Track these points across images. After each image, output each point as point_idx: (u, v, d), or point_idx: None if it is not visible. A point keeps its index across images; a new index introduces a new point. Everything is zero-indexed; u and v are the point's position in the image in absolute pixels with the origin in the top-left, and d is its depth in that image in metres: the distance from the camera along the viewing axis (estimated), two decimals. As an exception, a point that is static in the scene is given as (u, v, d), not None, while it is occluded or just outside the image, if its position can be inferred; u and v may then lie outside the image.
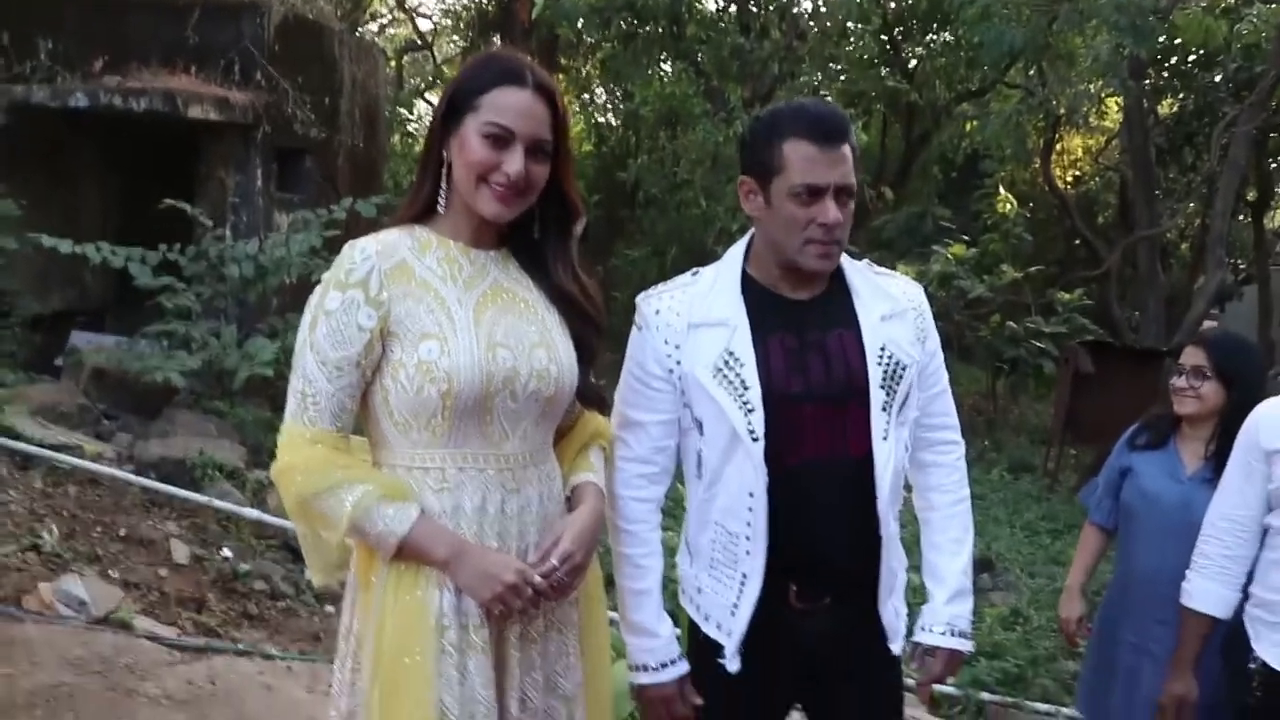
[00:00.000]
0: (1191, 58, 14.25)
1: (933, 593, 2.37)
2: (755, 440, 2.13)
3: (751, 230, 2.29)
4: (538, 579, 1.96)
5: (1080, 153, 21.18)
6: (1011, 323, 13.46)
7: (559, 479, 2.14)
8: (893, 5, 15.17)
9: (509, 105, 1.97)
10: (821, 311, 2.23)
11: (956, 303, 13.43)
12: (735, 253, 2.28)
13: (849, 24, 13.82)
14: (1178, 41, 12.62)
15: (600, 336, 2.19)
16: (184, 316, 7.35)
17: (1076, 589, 3.52)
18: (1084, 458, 11.10)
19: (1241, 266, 18.29)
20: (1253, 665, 2.59)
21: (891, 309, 2.25)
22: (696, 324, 2.19)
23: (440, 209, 2.04)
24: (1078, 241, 18.34)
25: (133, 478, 5.79)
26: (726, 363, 2.16)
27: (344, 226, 7.32)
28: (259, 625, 4.89)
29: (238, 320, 7.89)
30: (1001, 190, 14.66)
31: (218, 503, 5.69)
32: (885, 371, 2.19)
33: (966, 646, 2.36)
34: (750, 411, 2.13)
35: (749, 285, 2.24)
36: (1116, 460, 3.42)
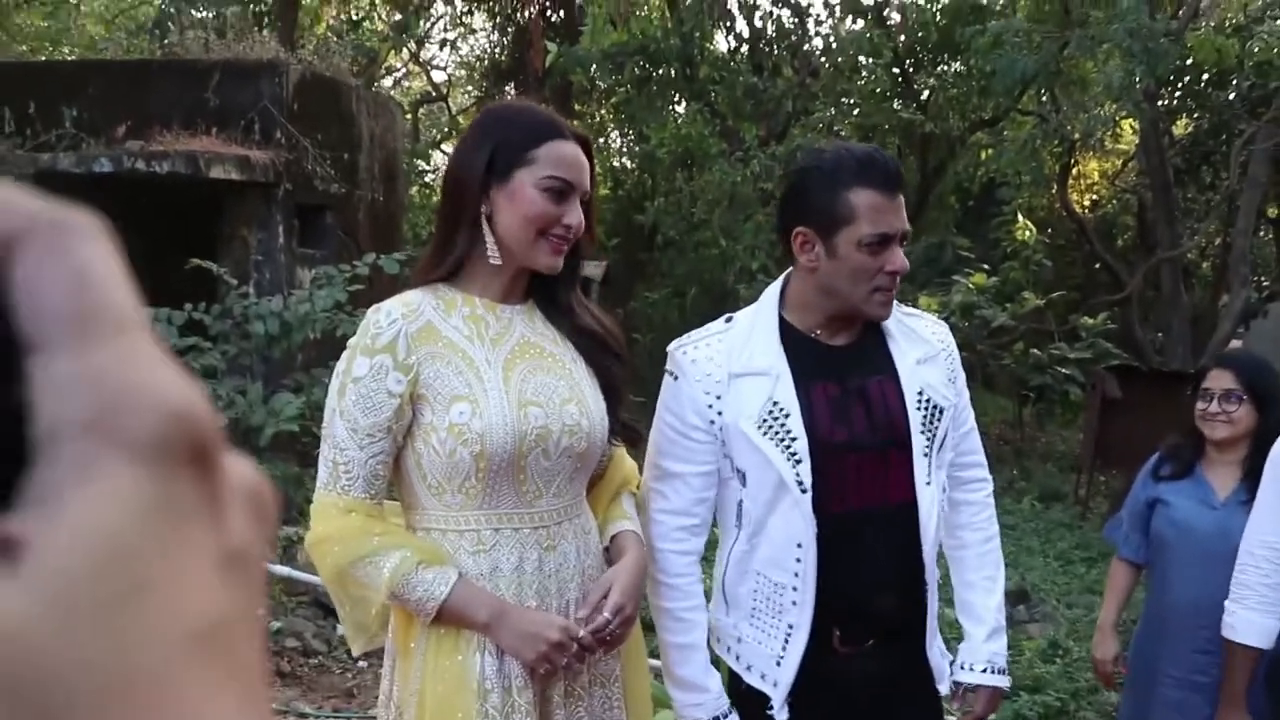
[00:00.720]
0: (1205, 77, 14.23)
1: (971, 631, 2.41)
2: (804, 491, 2.13)
3: (785, 274, 2.29)
4: (583, 634, 1.96)
5: (1097, 176, 21.16)
6: (1036, 350, 13.39)
7: (595, 531, 2.15)
8: (903, 38, 15.24)
9: (566, 158, 1.99)
10: (860, 358, 2.25)
11: (979, 332, 13.37)
12: (770, 299, 2.28)
13: (861, 58, 13.88)
14: (1190, 61, 12.60)
15: (626, 369, 2.19)
16: (210, 375, 7.39)
17: (1110, 627, 3.47)
18: (1114, 483, 11.00)
19: (1265, 284, 18.19)
20: None
21: (925, 352, 2.28)
22: (738, 374, 2.18)
23: (495, 260, 2.02)
24: (1098, 265, 18.26)
25: (164, 539, 5.79)
26: (771, 413, 2.16)
27: (367, 281, 7.37)
28: (291, 683, 4.88)
29: (263, 377, 7.94)
30: (1020, 217, 14.62)
31: (249, 561, 5.69)
32: (924, 416, 2.22)
33: (1006, 683, 2.41)
34: (798, 462, 2.14)
35: (787, 332, 2.24)
36: (1142, 493, 3.37)
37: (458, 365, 1.97)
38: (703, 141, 13.35)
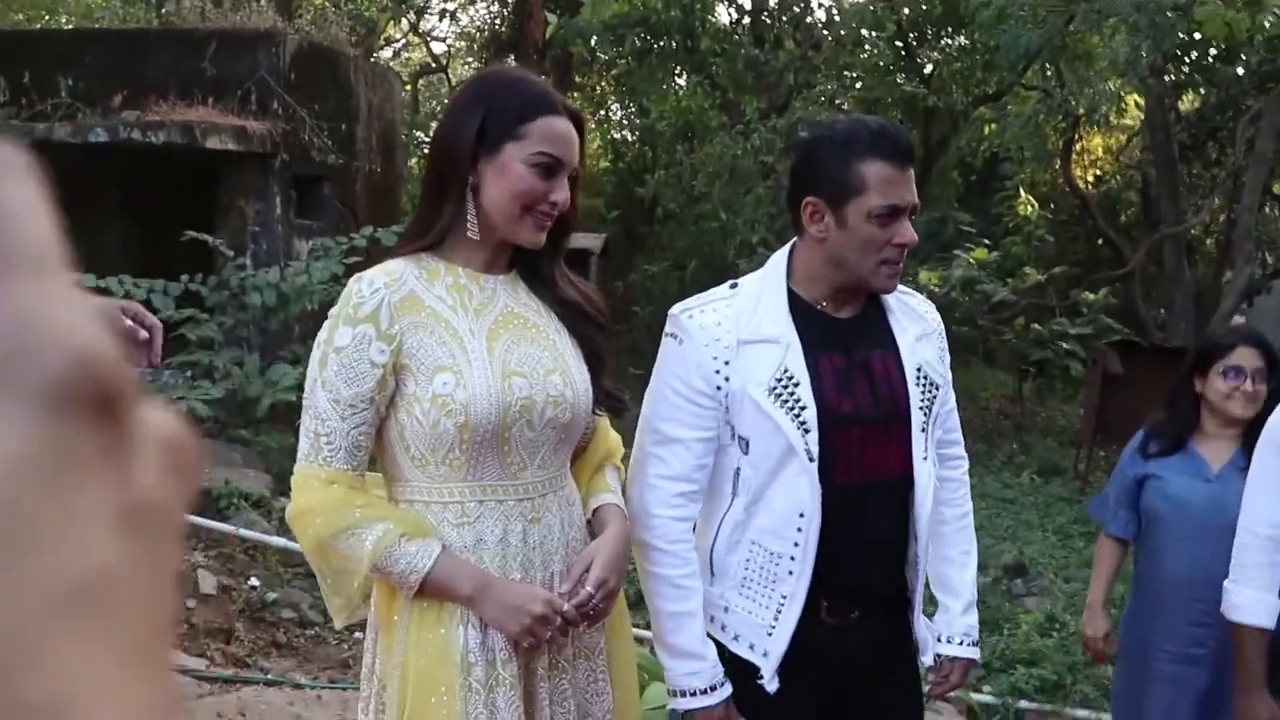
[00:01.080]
0: (1213, 52, 14.13)
1: (947, 604, 2.44)
2: (812, 460, 2.13)
3: (790, 245, 2.28)
4: (567, 608, 1.93)
5: (1101, 152, 21.05)
6: (1037, 325, 13.35)
7: (579, 503, 2.12)
8: (907, 11, 15.12)
9: (557, 134, 1.95)
10: (864, 331, 2.26)
11: (980, 307, 13.34)
12: (777, 267, 2.26)
13: (863, 31, 13.77)
14: (1198, 36, 12.51)
15: (609, 338, 2.16)
16: (207, 346, 7.38)
17: (1099, 605, 3.44)
18: (1114, 459, 10.96)
19: (1270, 260, 18.13)
20: None
21: (923, 330, 2.31)
22: (747, 340, 2.17)
23: (473, 235, 1.99)
24: (1101, 241, 18.21)
25: (159, 510, 5.79)
26: (781, 381, 2.15)
27: (365, 253, 7.34)
28: (288, 654, 4.89)
29: (260, 348, 7.92)
30: (1022, 192, 14.55)
31: (244, 532, 5.69)
32: (923, 392, 2.24)
33: (977, 654, 2.47)
34: (806, 432, 2.13)
35: (794, 302, 2.23)
36: (1130, 469, 3.32)
37: (441, 335, 1.93)
38: (703, 114, 13.28)
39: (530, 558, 1.99)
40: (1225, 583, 2.68)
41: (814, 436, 2.13)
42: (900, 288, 2.33)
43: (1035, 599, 7.02)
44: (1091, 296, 13.76)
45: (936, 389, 2.26)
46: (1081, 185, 18.20)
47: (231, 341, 7.70)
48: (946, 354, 2.38)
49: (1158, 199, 14.69)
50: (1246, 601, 2.61)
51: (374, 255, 6.73)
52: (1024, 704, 5.15)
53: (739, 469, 2.20)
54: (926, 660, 2.37)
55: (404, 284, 1.95)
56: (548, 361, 2.01)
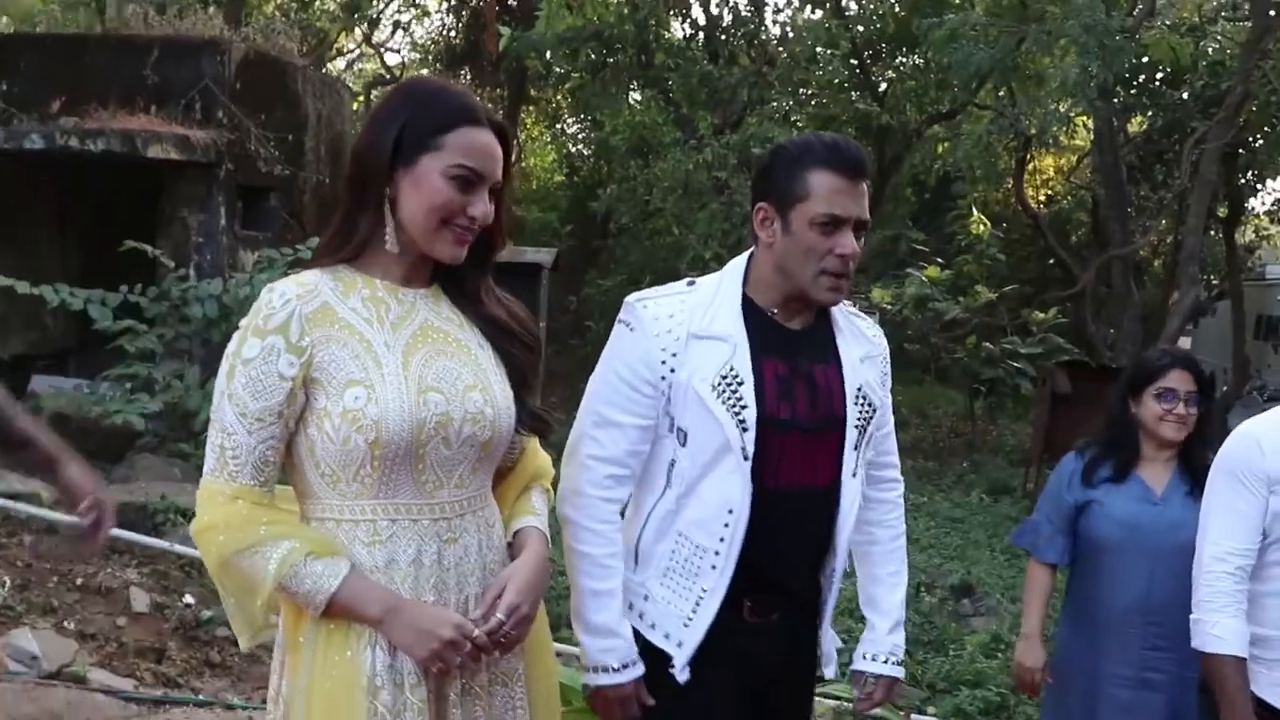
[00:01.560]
0: (1159, 76, 14.32)
1: (875, 623, 2.47)
2: (747, 459, 2.17)
3: (750, 252, 2.31)
4: (478, 634, 1.86)
5: (1052, 172, 21.30)
6: (988, 344, 13.45)
7: (499, 525, 2.04)
8: (861, 29, 15.22)
9: (476, 147, 1.88)
10: (810, 343, 2.29)
11: (932, 325, 13.42)
12: (736, 270, 2.31)
13: (817, 49, 13.83)
14: (1145, 60, 12.67)
15: (537, 358, 2.10)
16: (146, 359, 7.25)
17: (1037, 635, 3.35)
18: (1063, 478, 11.05)
19: (1214, 282, 18.37)
20: None
21: (868, 351, 2.34)
22: (698, 335, 2.20)
23: (391, 248, 1.91)
24: (1052, 261, 18.39)
25: (91, 526, 5.65)
26: (726, 379, 2.18)
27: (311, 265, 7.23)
28: (221, 674, 4.77)
29: (202, 361, 7.78)
30: (975, 211, 14.68)
31: (179, 548, 5.57)
32: (860, 411, 2.28)
33: (902, 673, 2.50)
34: (745, 431, 2.17)
35: (747, 306, 2.26)
36: (1069, 497, 3.25)
37: (354, 349, 1.86)
38: (657, 129, 13.28)
39: (445, 579, 1.92)
40: (1196, 615, 2.57)
41: (751, 436, 2.17)
42: (851, 310, 2.40)
43: (982, 619, 7.03)
44: (1041, 316, 13.87)
45: (874, 410, 2.30)
46: (1033, 205, 18.38)
47: (172, 354, 7.56)
48: (889, 379, 2.41)
49: (1106, 220, 14.85)
50: (1228, 633, 2.50)
51: (317, 267, 6.64)
52: (967, 725, 5.12)
53: (674, 460, 2.23)
54: (829, 673, 2.42)
55: (317, 295, 1.88)
56: (467, 377, 1.94)
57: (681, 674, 2.23)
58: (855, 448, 2.26)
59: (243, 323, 1.89)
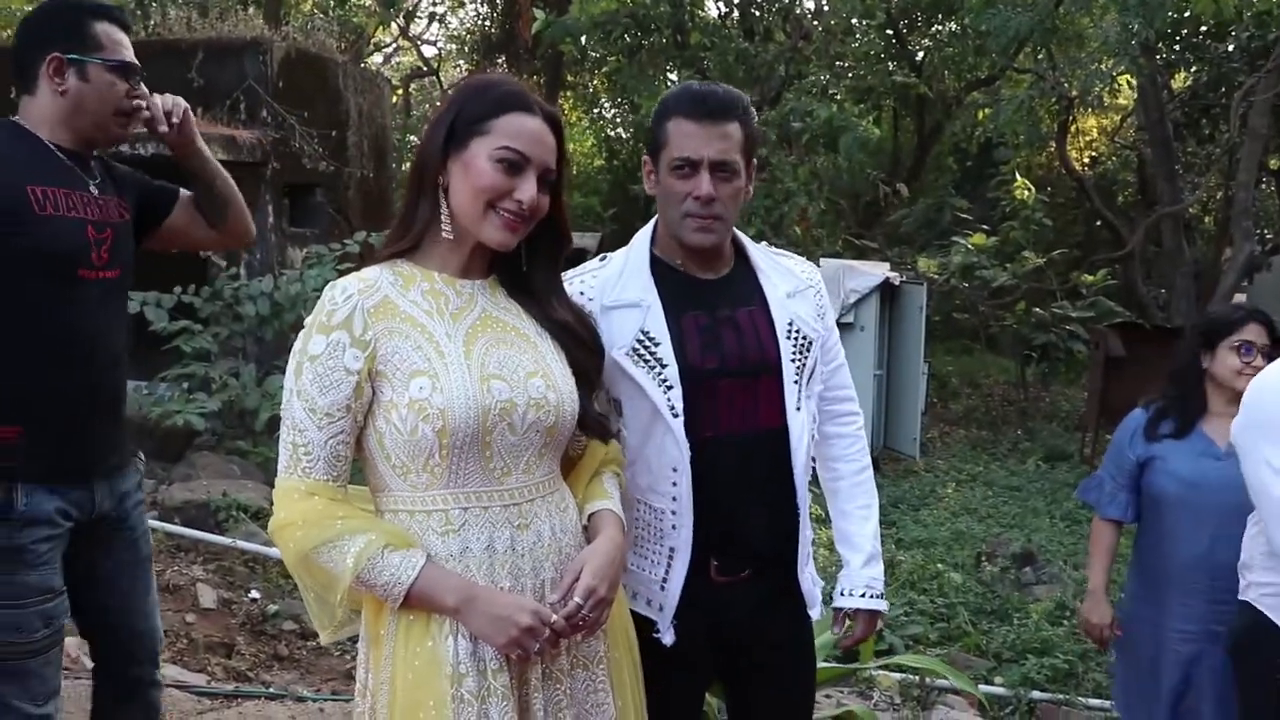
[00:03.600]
0: (1203, 29, 14.07)
1: (848, 558, 2.51)
2: (676, 416, 2.20)
3: (656, 214, 2.36)
4: (555, 619, 1.88)
5: (1096, 133, 21.00)
6: (1038, 309, 13.30)
7: (573, 509, 2.06)
8: (896, -1, 15.07)
9: (523, 130, 1.92)
10: (730, 289, 2.32)
11: (980, 293, 13.30)
12: (643, 236, 2.35)
13: (853, 20, 13.71)
14: (1188, 14, 12.45)
15: (599, 360, 2.12)
16: (202, 358, 7.34)
17: (1102, 591, 3.40)
18: (1120, 442, 10.91)
19: (1269, 237, 18.07)
20: None
21: (795, 286, 2.36)
22: (610, 306, 2.24)
23: (448, 234, 1.95)
24: (1099, 223, 18.16)
25: (157, 524, 5.75)
26: (641, 342, 2.22)
27: (358, 259, 7.30)
28: (290, 666, 4.83)
29: (256, 359, 7.87)
30: (1018, 177, 14.50)
31: (243, 544, 5.65)
32: (794, 345, 2.30)
33: (883, 606, 2.51)
34: (669, 389, 2.20)
35: (658, 266, 2.31)
36: (1131, 452, 3.27)
37: (416, 340, 1.89)
38: (695, 109, 13.19)
39: (519, 565, 1.93)
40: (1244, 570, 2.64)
41: (677, 393, 2.20)
42: (778, 250, 2.47)
43: (1045, 587, 6.97)
44: (1090, 279, 13.70)
45: (810, 343, 2.32)
46: (1077, 167, 18.15)
47: (227, 352, 7.65)
48: (829, 312, 2.43)
49: (1154, 179, 14.63)
50: None
51: (368, 260, 6.69)
52: (1036, 694, 5.09)
53: (619, 431, 2.26)
54: (815, 614, 2.42)
55: (378, 290, 1.91)
56: (528, 364, 1.96)
57: (666, 636, 2.26)
58: (795, 382, 2.28)
59: (307, 320, 1.93)
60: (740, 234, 2.39)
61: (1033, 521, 8.71)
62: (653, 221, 2.37)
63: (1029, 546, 7.72)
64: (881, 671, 4.63)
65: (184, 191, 2.83)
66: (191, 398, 6.99)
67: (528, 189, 1.91)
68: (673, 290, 2.28)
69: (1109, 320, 12.53)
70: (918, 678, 4.72)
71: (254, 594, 5.32)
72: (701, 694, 2.46)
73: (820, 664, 3.13)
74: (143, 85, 2.59)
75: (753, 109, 2.32)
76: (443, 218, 1.95)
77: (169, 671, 4.36)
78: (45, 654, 2.51)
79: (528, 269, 2.05)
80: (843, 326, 10.38)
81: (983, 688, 5.06)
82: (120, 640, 2.78)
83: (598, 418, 2.11)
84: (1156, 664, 3.21)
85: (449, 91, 2.24)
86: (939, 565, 6.98)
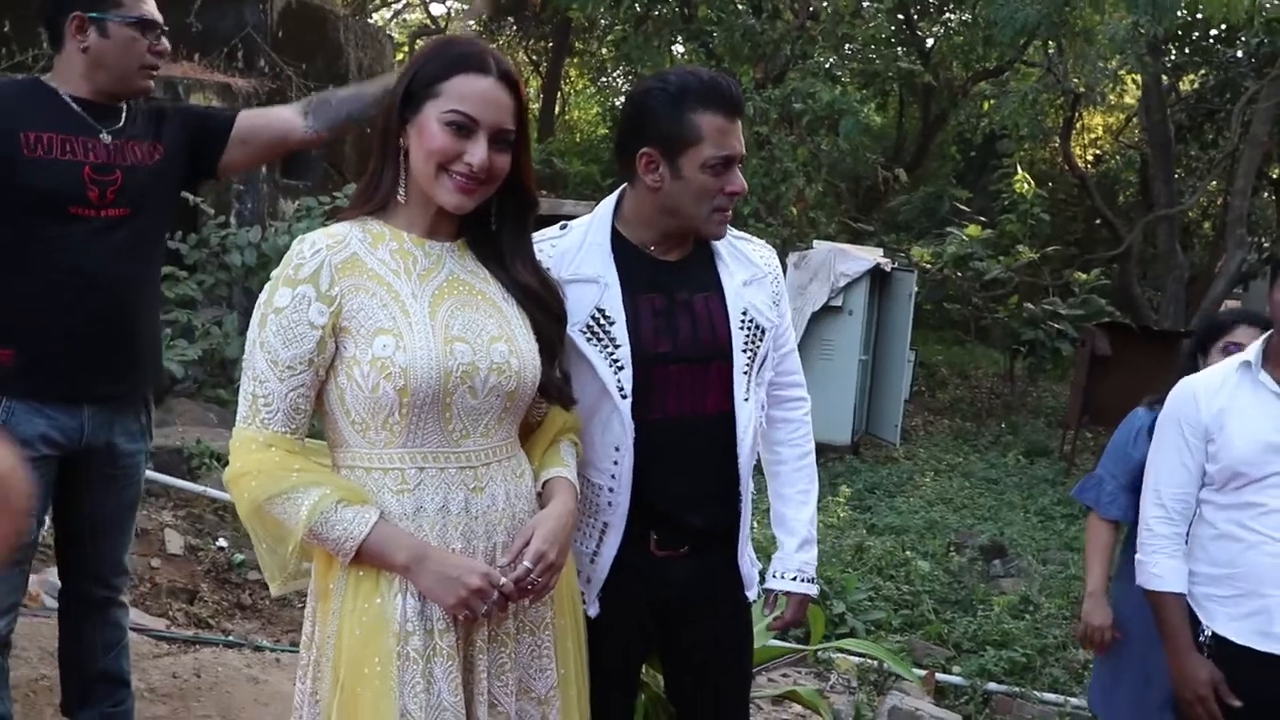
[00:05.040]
0: (1213, 33, 14.04)
1: (783, 541, 2.52)
2: (625, 397, 2.20)
3: (622, 188, 2.32)
4: (504, 581, 1.88)
5: (1101, 131, 20.96)
6: (1029, 304, 13.32)
7: (529, 475, 2.06)
8: (907, -17, 15.00)
9: (472, 92, 1.90)
10: (689, 274, 2.31)
11: (973, 284, 13.30)
12: (605, 210, 2.32)
13: (863, 3, 13.65)
14: (1199, 16, 12.41)
15: (562, 328, 2.12)
16: (186, 305, 7.30)
17: (1101, 593, 3.32)
18: (1102, 441, 10.95)
19: (1266, 245, 18.08)
20: (1202, 639, 2.65)
21: (752, 274, 2.36)
22: (567, 280, 2.21)
23: (401, 199, 1.96)
24: (1098, 221, 18.15)
25: (130, 468, 5.74)
26: (596, 319, 2.22)
27: (348, 213, 7.26)
28: (252, 616, 4.84)
29: (241, 309, 7.84)
30: (1019, 170, 14.48)
31: (213, 492, 5.64)
32: (747, 335, 2.30)
33: (814, 590, 2.53)
34: (620, 369, 2.21)
35: (619, 244, 2.29)
36: (1135, 453, 3.20)
37: (383, 298, 1.88)
38: (699, 83, 13.14)
39: (472, 527, 1.94)
40: (1138, 555, 2.77)
41: (627, 374, 2.20)
42: (737, 233, 2.41)
43: (1011, 580, 7.01)
44: (1084, 277, 13.71)
45: (763, 332, 2.32)
46: (1081, 164, 18.11)
47: (211, 301, 7.62)
48: (784, 298, 2.43)
49: (1154, 180, 14.60)
50: (1168, 571, 2.70)
51: (355, 216, 6.66)
52: (992, 686, 5.12)
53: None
54: (751, 595, 2.43)
55: (347, 246, 1.91)
56: (492, 329, 1.96)
57: (592, 608, 2.27)
58: (745, 372, 2.28)
59: (274, 273, 1.92)
60: None
61: (1007, 515, 8.76)
62: (617, 193, 2.34)
63: (1000, 539, 7.76)
64: (839, 655, 4.66)
65: (245, 111, 2.98)
66: (172, 344, 6.96)
67: (477, 152, 1.89)
68: (632, 269, 2.26)
69: (1099, 319, 12.55)
70: (876, 662, 4.75)
71: (221, 542, 5.32)
72: (638, 665, 2.48)
73: (769, 644, 3.13)
74: (164, 40, 2.74)
75: None
76: (400, 181, 1.95)
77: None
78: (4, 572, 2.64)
79: (496, 230, 2.04)
80: (831, 310, 10.40)
81: (940, 676, 5.10)
82: (88, 564, 2.96)
83: (559, 384, 2.10)
84: (1146, 670, 3.14)
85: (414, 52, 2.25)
86: (908, 553, 7.02)
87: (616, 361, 2.20)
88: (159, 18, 2.73)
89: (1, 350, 2.63)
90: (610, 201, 2.34)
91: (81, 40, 2.66)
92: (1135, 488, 3.20)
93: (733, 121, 2.18)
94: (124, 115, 2.75)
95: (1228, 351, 3.09)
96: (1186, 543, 2.73)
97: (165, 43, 2.76)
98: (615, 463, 2.23)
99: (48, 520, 2.98)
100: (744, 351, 2.28)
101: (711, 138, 2.16)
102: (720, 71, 2.28)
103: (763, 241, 2.48)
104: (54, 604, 4.24)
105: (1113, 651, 3.30)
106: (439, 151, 1.89)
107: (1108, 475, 3.33)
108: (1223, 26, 13.24)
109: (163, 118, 2.85)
